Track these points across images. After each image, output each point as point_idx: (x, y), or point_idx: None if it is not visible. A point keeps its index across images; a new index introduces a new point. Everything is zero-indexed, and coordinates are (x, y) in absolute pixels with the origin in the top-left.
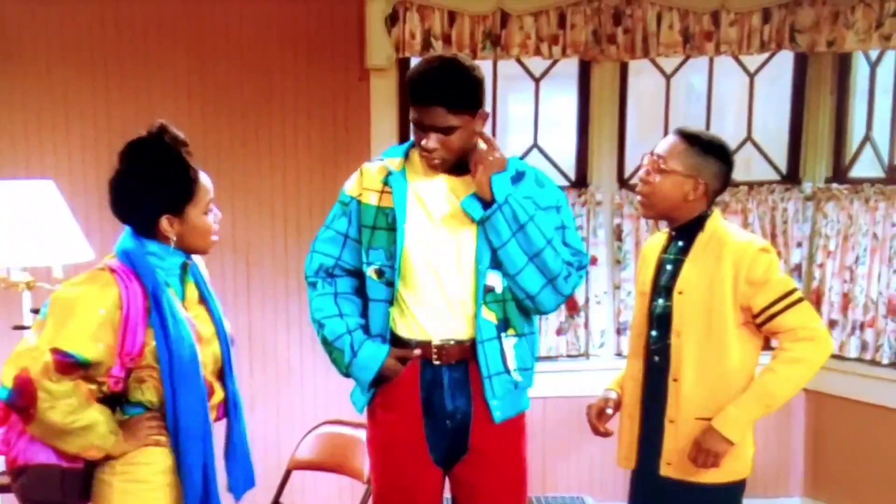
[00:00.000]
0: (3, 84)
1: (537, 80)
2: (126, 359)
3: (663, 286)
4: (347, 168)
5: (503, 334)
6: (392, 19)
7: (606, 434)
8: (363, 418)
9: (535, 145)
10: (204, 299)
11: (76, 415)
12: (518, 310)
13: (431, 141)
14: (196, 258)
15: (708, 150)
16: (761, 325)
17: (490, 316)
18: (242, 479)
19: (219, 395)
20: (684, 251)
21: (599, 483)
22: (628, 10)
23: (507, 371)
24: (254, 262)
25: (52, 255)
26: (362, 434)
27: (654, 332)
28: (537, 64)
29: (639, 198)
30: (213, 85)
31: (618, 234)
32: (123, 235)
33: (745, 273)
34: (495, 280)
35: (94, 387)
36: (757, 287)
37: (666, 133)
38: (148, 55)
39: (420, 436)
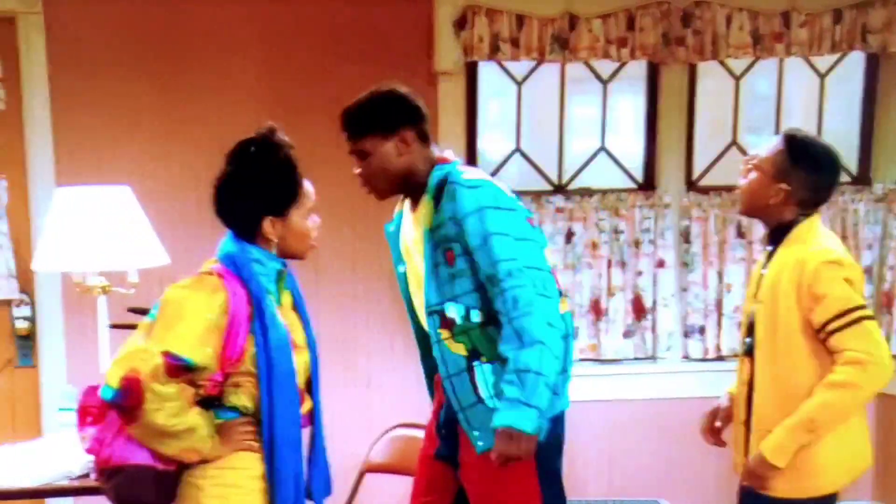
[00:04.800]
0: (82, 91)
1: (605, 83)
2: (226, 363)
3: (754, 293)
4: None
5: (475, 363)
6: (460, 23)
7: (720, 445)
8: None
9: (603, 148)
10: (297, 306)
11: (179, 418)
12: (483, 336)
13: (355, 168)
14: None
15: (799, 157)
16: (824, 341)
17: (458, 348)
18: (323, 486)
19: (308, 403)
20: (771, 257)
21: (673, 486)
22: (697, 11)
23: (481, 401)
24: (323, 268)
25: (128, 259)
26: None
27: (747, 340)
28: (605, 66)
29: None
30: (282, 89)
31: (685, 237)
32: (225, 240)
33: (807, 285)
34: (454, 312)
35: (193, 390)
36: (817, 301)
37: (734, 136)
38: (218, 59)
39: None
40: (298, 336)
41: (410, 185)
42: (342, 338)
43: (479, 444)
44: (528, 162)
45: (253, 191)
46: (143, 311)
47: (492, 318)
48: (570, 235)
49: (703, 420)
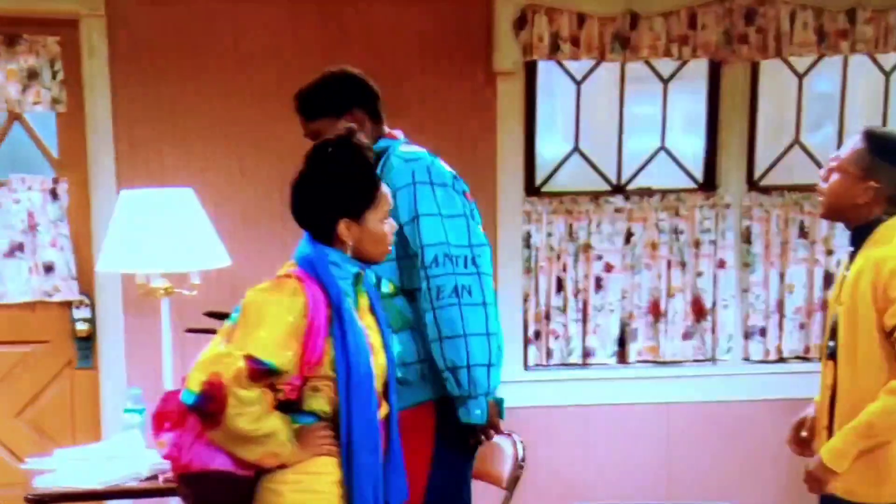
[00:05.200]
0: (143, 93)
1: (665, 82)
2: (305, 367)
3: (837, 295)
4: (472, 174)
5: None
6: (520, 22)
7: (808, 456)
8: (522, 426)
9: (663, 147)
10: (373, 309)
11: (260, 422)
12: (389, 307)
13: None
14: None
15: (884, 152)
16: (893, 345)
17: None
18: (399, 491)
19: (385, 408)
20: (853, 257)
21: (733, 491)
22: (761, 9)
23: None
24: None
25: (191, 261)
26: (500, 440)
27: (830, 343)
28: (665, 65)
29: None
30: None
31: (746, 237)
32: (302, 242)
33: (882, 286)
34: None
35: (273, 394)
36: (890, 304)
37: (797, 135)
38: (279, 60)
39: None
40: (375, 339)
41: None
42: None
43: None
44: (587, 162)
45: (329, 192)
46: (220, 315)
47: (400, 291)
48: (629, 236)
49: (790, 430)
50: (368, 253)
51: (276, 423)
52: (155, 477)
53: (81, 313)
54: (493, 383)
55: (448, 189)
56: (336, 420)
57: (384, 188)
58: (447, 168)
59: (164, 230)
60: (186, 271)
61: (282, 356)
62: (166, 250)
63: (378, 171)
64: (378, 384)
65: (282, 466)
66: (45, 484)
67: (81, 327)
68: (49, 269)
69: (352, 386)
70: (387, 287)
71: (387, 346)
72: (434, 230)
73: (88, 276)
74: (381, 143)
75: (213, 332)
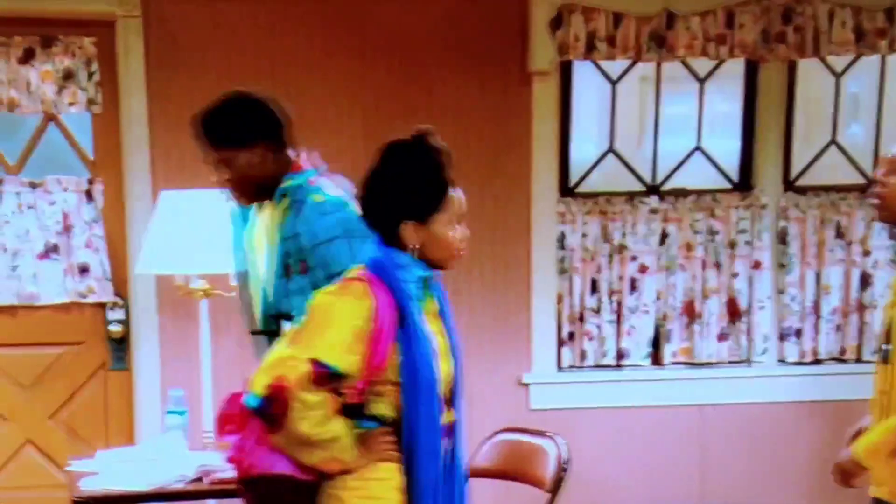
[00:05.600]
0: (179, 94)
1: (702, 81)
2: (370, 371)
3: (894, 299)
4: (506, 175)
5: None
6: (556, 22)
7: None
8: (556, 427)
9: (698, 147)
10: (441, 314)
11: (323, 426)
12: None
13: (220, 174)
14: None
15: None
16: None
17: None
18: (460, 498)
19: (450, 415)
20: None
21: (768, 493)
22: (799, 7)
23: None
24: None
25: (229, 263)
26: (543, 442)
27: (885, 347)
28: (701, 64)
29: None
30: (375, 88)
31: (782, 238)
32: (371, 245)
33: None
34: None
35: (337, 399)
36: None
37: (833, 135)
38: (311, 57)
39: None
40: (442, 344)
41: (272, 192)
42: None
43: None
44: (622, 162)
45: (394, 193)
46: (284, 317)
47: None
48: (664, 237)
49: (846, 439)
50: (434, 258)
51: (339, 428)
52: (200, 479)
53: (116, 315)
54: None
55: (362, 239)
56: (398, 425)
57: (456, 192)
58: (356, 210)
59: (203, 232)
60: (225, 273)
61: (347, 360)
62: (206, 251)
63: (291, 216)
64: (443, 390)
65: (344, 472)
66: (91, 486)
67: (115, 329)
68: (84, 270)
69: (415, 391)
70: None
71: (454, 352)
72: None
73: (123, 278)
74: (290, 181)
75: (277, 333)
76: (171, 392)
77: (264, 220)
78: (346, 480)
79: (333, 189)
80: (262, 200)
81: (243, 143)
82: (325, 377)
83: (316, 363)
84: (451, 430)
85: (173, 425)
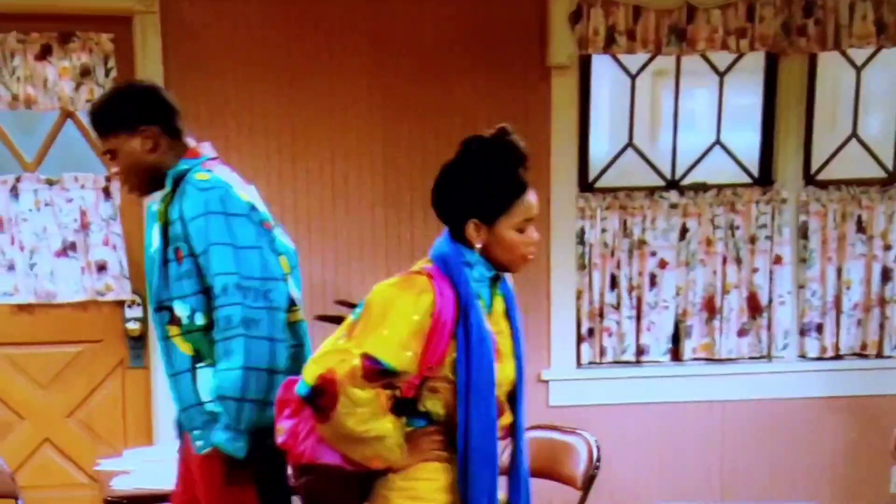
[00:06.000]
0: (197, 91)
1: (721, 75)
2: (425, 367)
3: None
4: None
5: (199, 366)
6: (575, 16)
7: None
8: (576, 424)
9: (718, 142)
10: (509, 315)
11: (370, 424)
12: (205, 340)
13: (112, 167)
14: None
15: None
16: None
17: (186, 348)
18: (525, 499)
19: (508, 417)
20: None
21: (788, 489)
22: (819, 0)
23: (201, 403)
24: None
25: None
26: (575, 440)
27: None
28: (720, 58)
29: None
30: (393, 85)
31: (803, 233)
32: (441, 240)
33: None
34: (181, 311)
35: (389, 393)
36: None
37: (854, 128)
38: (330, 56)
39: None
40: (506, 345)
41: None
42: None
43: (198, 443)
44: (641, 157)
45: (462, 190)
46: (350, 305)
47: (214, 323)
48: (683, 232)
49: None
50: (499, 260)
51: (386, 427)
52: None
53: (133, 312)
54: (263, 421)
55: (243, 219)
56: (449, 424)
57: (528, 197)
58: (244, 197)
59: None
60: None
61: (401, 357)
62: None
63: (174, 198)
64: (502, 391)
65: (389, 469)
66: (123, 486)
67: (133, 326)
68: (101, 268)
69: (470, 391)
70: (200, 319)
71: (518, 354)
72: (224, 260)
73: (141, 275)
74: (182, 165)
75: (341, 319)
76: None
77: (157, 206)
78: (394, 480)
79: (227, 175)
80: (159, 190)
81: (126, 128)
82: (377, 373)
83: (367, 358)
84: (510, 432)
85: None
